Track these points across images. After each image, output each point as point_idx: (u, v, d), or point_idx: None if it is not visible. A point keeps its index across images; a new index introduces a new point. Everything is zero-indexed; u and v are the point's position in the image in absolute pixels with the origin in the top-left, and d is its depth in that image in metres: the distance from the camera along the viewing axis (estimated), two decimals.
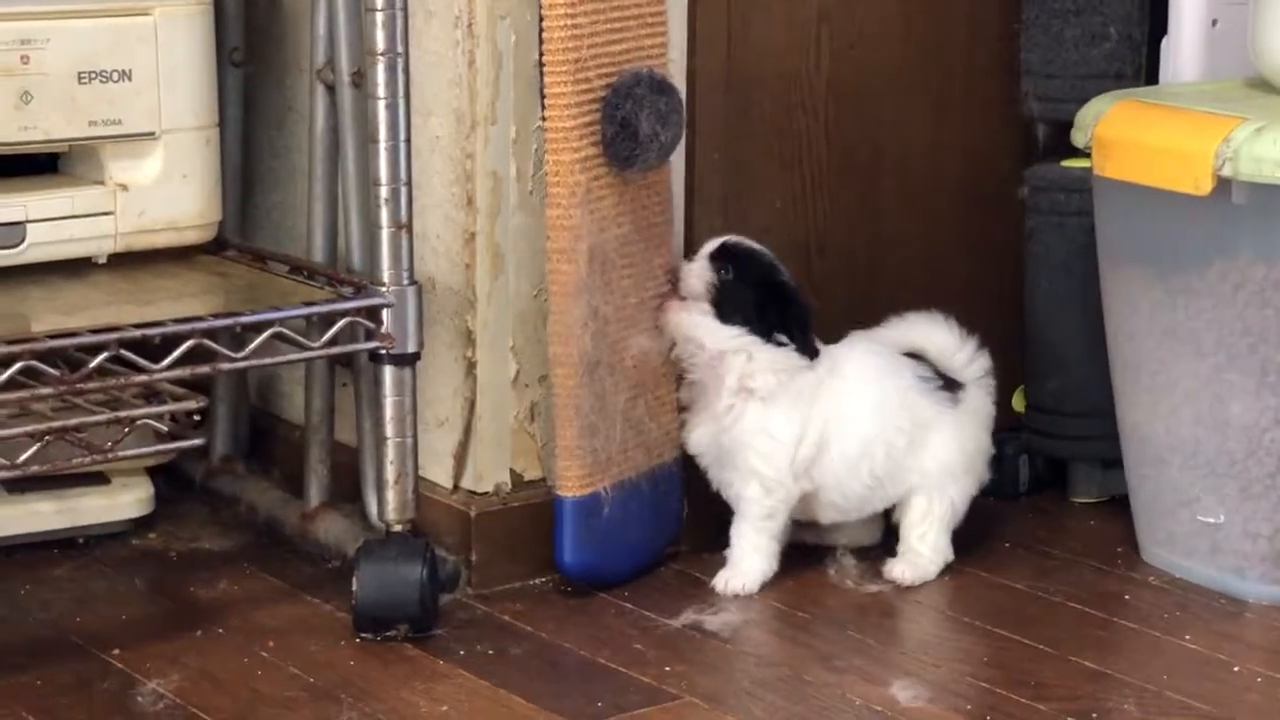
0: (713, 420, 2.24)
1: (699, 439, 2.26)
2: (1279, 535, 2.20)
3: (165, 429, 2.03)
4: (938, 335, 2.30)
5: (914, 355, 2.30)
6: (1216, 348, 2.19)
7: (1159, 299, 2.24)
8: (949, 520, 2.28)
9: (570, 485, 2.19)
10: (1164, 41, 2.43)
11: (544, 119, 2.14)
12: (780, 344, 2.21)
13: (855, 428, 2.24)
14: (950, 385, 2.28)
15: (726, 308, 2.21)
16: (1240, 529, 2.21)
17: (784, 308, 2.22)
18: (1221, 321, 2.18)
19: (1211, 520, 2.23)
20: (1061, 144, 2.41)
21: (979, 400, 2.30)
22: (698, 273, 2.22)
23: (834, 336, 2.30)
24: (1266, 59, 2.28)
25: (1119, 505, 2.39)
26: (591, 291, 2.16)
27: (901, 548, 2.28)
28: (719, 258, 2.22)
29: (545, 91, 2.13)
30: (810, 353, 2.22)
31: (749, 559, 2.24)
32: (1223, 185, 2.12)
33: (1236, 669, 2.06)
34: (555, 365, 2.17)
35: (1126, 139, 2.21)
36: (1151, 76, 2.45)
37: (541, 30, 2.12)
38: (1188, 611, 2.20)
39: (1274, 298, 2.14)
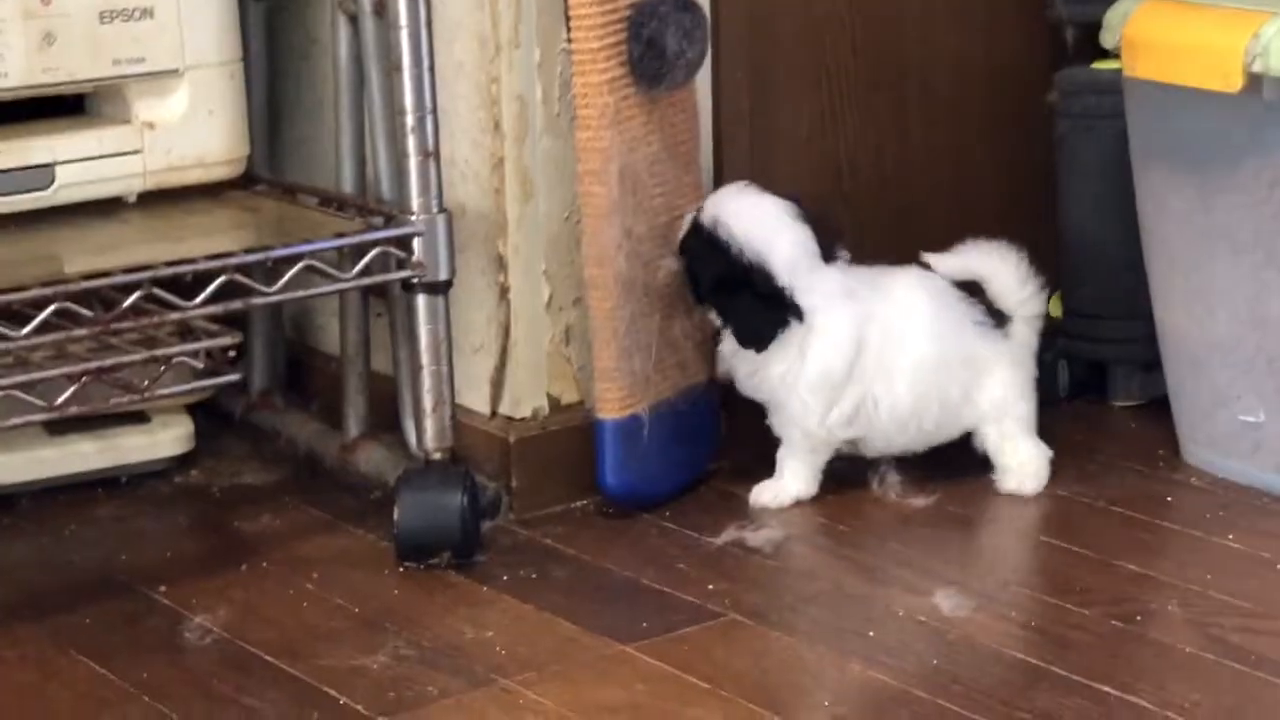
0: (747, 360, 2.22)
1: (739, 374, 2.23)
2: None
3: (202, 366, 2.03)
4: (1003, 271, 2.23)
5: (967, 284, 2.25)
6: (1253, 245, 2.18)
7: (1193, 199, 2.22)
8: (1026, 430, 2.25)
9: (610, 407, 2.19)
10: None
11: (569, 40, 2.13)
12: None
13: (908, 387, 2.20)
14: (1000, 320, 2.24)
15: (691, 275, 2.20)
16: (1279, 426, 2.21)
17: (730, 295, 2.17)
18: (1257, 219, 2.16)
19: (1252, 419, 2.22)
20: (1091, 46, 2.39)
21: (1026, 336, 2.25)
22: (680, 238, 2.20)
23: (870, 253, 2.27)
24: None
25: (1159, 407, 2.38)
26: (624, 212, 2.16)
27: (1000, 469, 2.26)
28: (687, 238, 2.19)
29: (570, 13, 2.12)
30: (755, 344, 2.17)
31: (787, 479, 2.24)
32: (1254, 81, 2.10)
33: (1279, 566, 2.06)
34: (591, 288, 2.17)
35: (1155, 38, 2.19)
36: None
37: None
38: (1230, 511, 2.19)
39: None
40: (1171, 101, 2.20)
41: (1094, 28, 2.33)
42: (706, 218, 2.18)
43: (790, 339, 2.18)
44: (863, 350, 2.20)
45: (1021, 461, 2.25)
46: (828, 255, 2.20)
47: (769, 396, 2.23)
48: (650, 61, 2.14)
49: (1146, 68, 2.20)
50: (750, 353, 2.19)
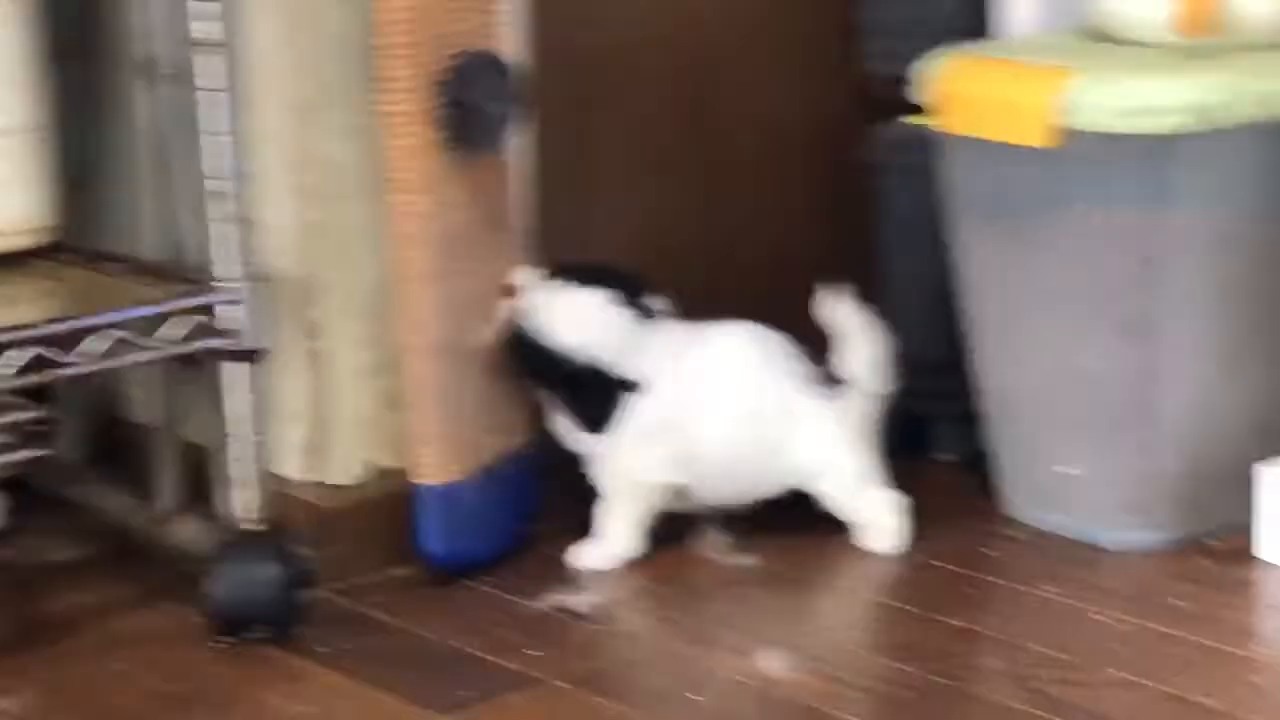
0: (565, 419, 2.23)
1: (559, 423, 2.24)
2: (1134, 483, 2.21)
3: (8, 440, 1.98)
4: (856, 337, 2.25)
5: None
6: (1066, 299, 2.19)
7: (1008, 252, 2.24)
8: (860, 485, 2.25)
9: (431, 473, 2.16)
10: None
11: (383, 103, 2.11)
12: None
13: (725, 434, 2.21)
14: (829, 380, 2.25)
15: (517, 372, 2.21)
16: (1097, 479, 2.22)
17: (564, 388, 2.19)
18: (1070, 272, 2.18)
19: (1070, 471, 2.24)
20: (904, 102, 2.40)
21: (859, 404, 2.25)
22: (501, 318, 2.19)
23: (688, 311, 2.27)
24: (1100, 8, 2.28)
25: (980, 461, 2.39)
26: (440, 276, 2.14)
27: (852, 527, 2.26)
28: (510, 346, 2.19)
29: (383, 76, 2.10)
30: (598, 429, 2.18)
31: (608, 539, 2.23)
32: (1062, 136, 2.12)
33: (1099, 617, 2.07)
34: (408, 353, 2.14)
35: (966, 93, 2.21)
36: (990, 31, 2.45)
37: (377, 13, 2.09)
38: (1050, 563, 2.20)
39: (1117, 246, 2.15)
40: (983, 156, 2.22)
41: (906, 83, 2.35)
42: (530, 323, 2.18)
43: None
44: (684, 399, 2.20)
45: (868, 517, 2.25)
46: (645, 313, 2.20)
47: (593, 449, 2.22)
48: (464, 125, 2.13)
49: (958, 122, 2.22)
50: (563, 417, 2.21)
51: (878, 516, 2.25)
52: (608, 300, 2.19)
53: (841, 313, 2.26)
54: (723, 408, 2.21)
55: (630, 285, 2.21)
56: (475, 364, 2.19)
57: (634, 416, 2.19)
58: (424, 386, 2.14)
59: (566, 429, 2.23)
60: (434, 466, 2.15)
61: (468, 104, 2.12)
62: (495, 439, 2.23)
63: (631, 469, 2.21)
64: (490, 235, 2.21)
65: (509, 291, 2.21)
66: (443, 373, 2.14)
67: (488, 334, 2.20)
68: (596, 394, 2.19)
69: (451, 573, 2.20)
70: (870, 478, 2.26)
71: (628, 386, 2.19)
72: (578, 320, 2.18)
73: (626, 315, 2.19)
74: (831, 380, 2.25)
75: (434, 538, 2.17)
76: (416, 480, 2.16)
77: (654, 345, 2.20)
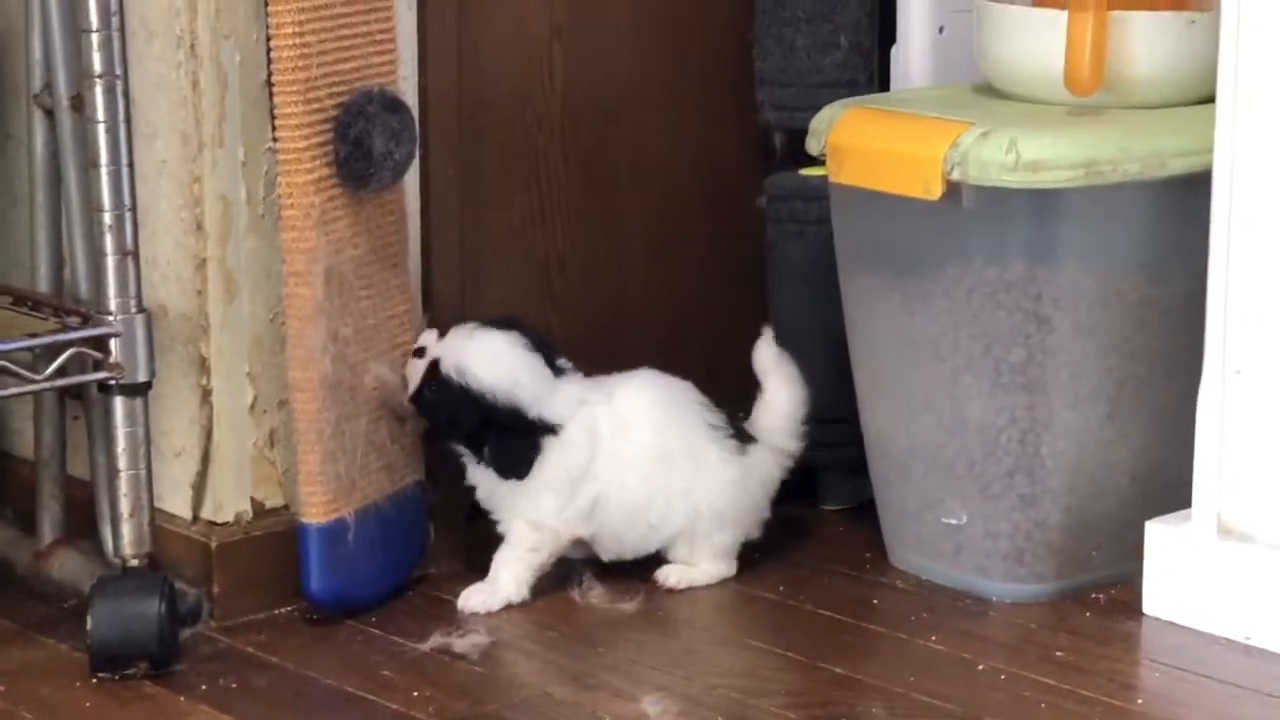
0: (481, 469, 2.22)
1: (473, 472, 2.23)
2: (1018, 534, 2.23)
3: None
4: (777, 391, 2.28)
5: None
6: (953, 351, 2.21)
7: (897, 304, 2.25)
8: (716, 551, 2.27)
9: (314, 511, 2.15)
10: (893, 49, 2.46)
11: (275, 140, 2.10)
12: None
13: (637, 480, 2.22)
14: (739, 435, 2.27)
15: (437, 424, 2.21)
16: (982, 529, 2.24)
17: (484, 434, 2.19)
18: (957, 325, 2.20)
19: (954, 521, 2.25)
20: (798, 152, 2.42)
21: (764, 460, 2.28)
22: (413, 374, 2.19)
23: (578, 354, 2.28)
24: (990, 64, 2.31)
25: (867, 511, 2.40)
26: (330, 314, 2.13)
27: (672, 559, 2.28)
28: (424, 383, 2.19)
29: (275, 112, 2.09)
30: (518, 474, 2.19)
31: (502, 583, 2.22)
32: (952, 189, 2.14)
33: (981, 667, 2.08)
34: (295, 390, 2.13)
35: (859, 145, 2.23)
36: (883, 84, 2.47)
37: (269, 50, 2.09)
38: (934, 613, 2.21)
39: (1005, 300, 2.17)
40: (875, 208, 2.23)
41: (801, 134, 2.36)
42: (449, 369, 2.17)
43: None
44: (595, 450, 2.20)
45: (691, 563, 2.26)
46: (555, 370, 2.21)
47: (505, 499, 2.22)
48: (357, 162, 2.12)
49: (850, 174, 2.24)
50: (479, 466, 2.20)
51: (693, 569, 2.26)
52: (520, 344, 2.19)
53: (767, 365, 2.28)
54: (633, 455, 2.22)
55: (538, 339, 2.22)
56: (362, 403, 2.18)
57: (543, 466, 2.19)
58: (309, 424, 2.13)
59: (483, 478, 2.22)
60: (317, 505, 2.14)
61: (360, 142, 2.12)
62: (381, 479, 2.22)
63: (539, 519, 2.20)
64: (382, 275, 2.21)
65: (418, 353, 2.20)
66: (328, 411, 2.13)
67: (380, 375, 2.19)
68: (516, 437, 2.18)
69: (334, 612, 2.18)
70: (720, 550, 2.27)
71: (547, 429, 2.18)
72: (495, 361, 2.17)
73: (539, 361, 2.19)
74: (743, 434, 2.26)
75: (315, 577, 2.15)
76: (299, 519, 2.15)
77: (562, 395, 2.20)
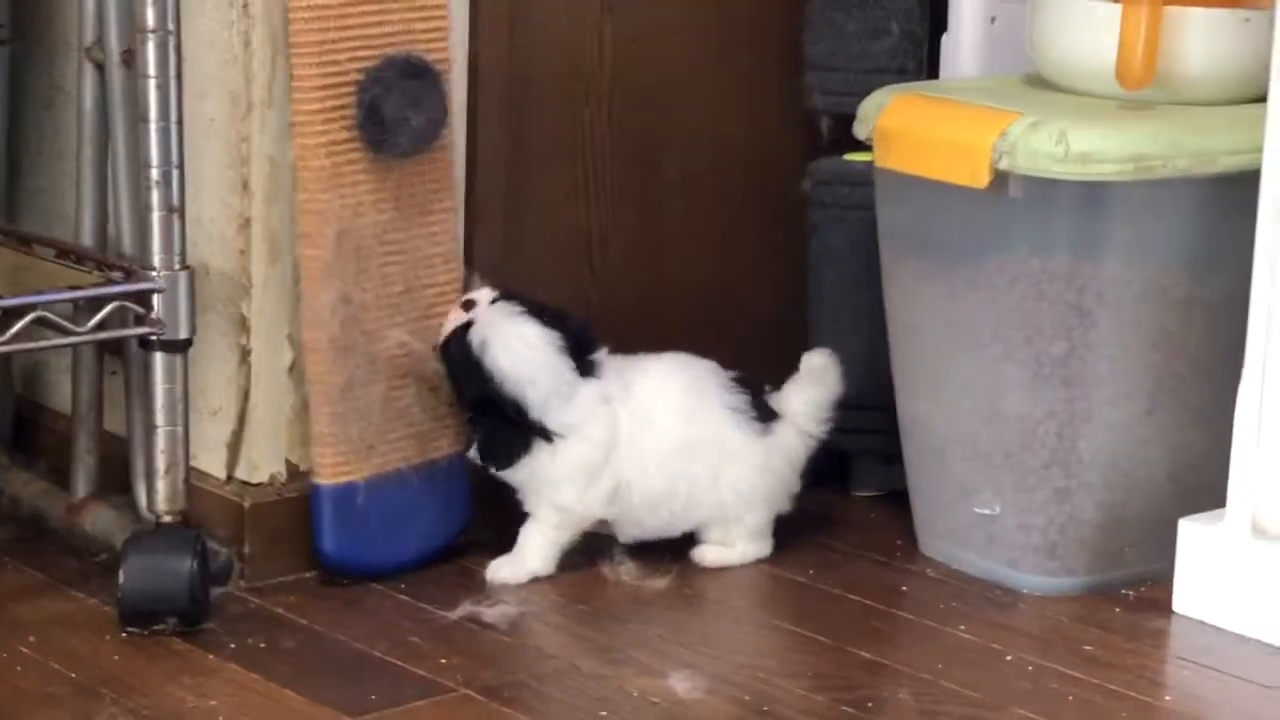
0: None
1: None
2: (1051, 527, 2.22)
3: None
4: (799, 372, 2.27)
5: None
6: (993, 340, 2.21)
7: (939, 292, 2.25)
8: (750, 532, 2.27)
9: (325, 473, 2.15)
10: (944, 37, 2.45)
11: (292, 101, 2.10)
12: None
13: (659, 469, 2.21)
14: (764, 414, 2.26)
15: (454, 386, 2.20)
16: (1015, 521, 2.23)
17: (484, 413, 2.18)
18: (998, 315, 2.20)
19: (987, 512, 2.25)
20: (844, 138, 2.42)
21: (789, 436, 2.27)
22: (450, 322, 2.19)
23: (616, 330, 2.27)
24: (1042, 55, 2.31)
25: (899, 499, 2.40)
26: (341, 277, 2.12)
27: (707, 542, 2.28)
28: (450, 338, 2.18)
29: (291, 74, 2.09)
30: (496, 464, 2.18)
31: (528, 556, 2.22)
32: (1000, 178, 2.14)
33: (1009, 658, 2.08)
34: (306, 351, 2.14)
35: (907, 131, 2.22)
36: (932, 72, 2.47)
37: (289, 11, 2.08)
38: (963, 602, 2.21)
39: (1049, 290, 2.16)
40: (920, 195, 2.23)
41: (848, 119, 2.36)
42: (475, 337, 2.16)
43: (539, 449, 2.18)
44: (617, 437, 2.20)
45: (727, 544, 2.26)
46: (586, 370, 2.20)
47: (521, 484, 2.22)
48: (371, 127, 2.12)
49: (897, 160, 2.23)
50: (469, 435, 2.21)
51: (728, 549, 2.26)
52: (554, 344, 2.18)
53: (814, 365, 2.28)
54: (654, 445, 2.21)
55: (581, 338, 2.20)
56: (381, 369, 2.17)
57: (564, 458, 2.18)
58: (318, 385, 2.13)
59: (472, 452, 2.22)
60: (327, 467, 2.15)
61: (374, 106, 2.11)
62: (408, 447, 2.21)
63: (563, 502, 2.20)
64: (415, 243, 2.20)
65: (467, 305, 2.19)
66: (337, 373, 2.13)
67: (406, 343, 2.18)
68: (511, 433, 2.17)
69: (347, 574, 2.18)
70: (754, 531, 2.26)
71: (544, 434, 2.17)
72: (518, 351, 2.16)
73: (566, 366, 2.18)
74: (766, 412, 2.26)
75: (325, 536, 2.16)
76: (312, 479, 2.16)
77: (585, 399, 2.18)
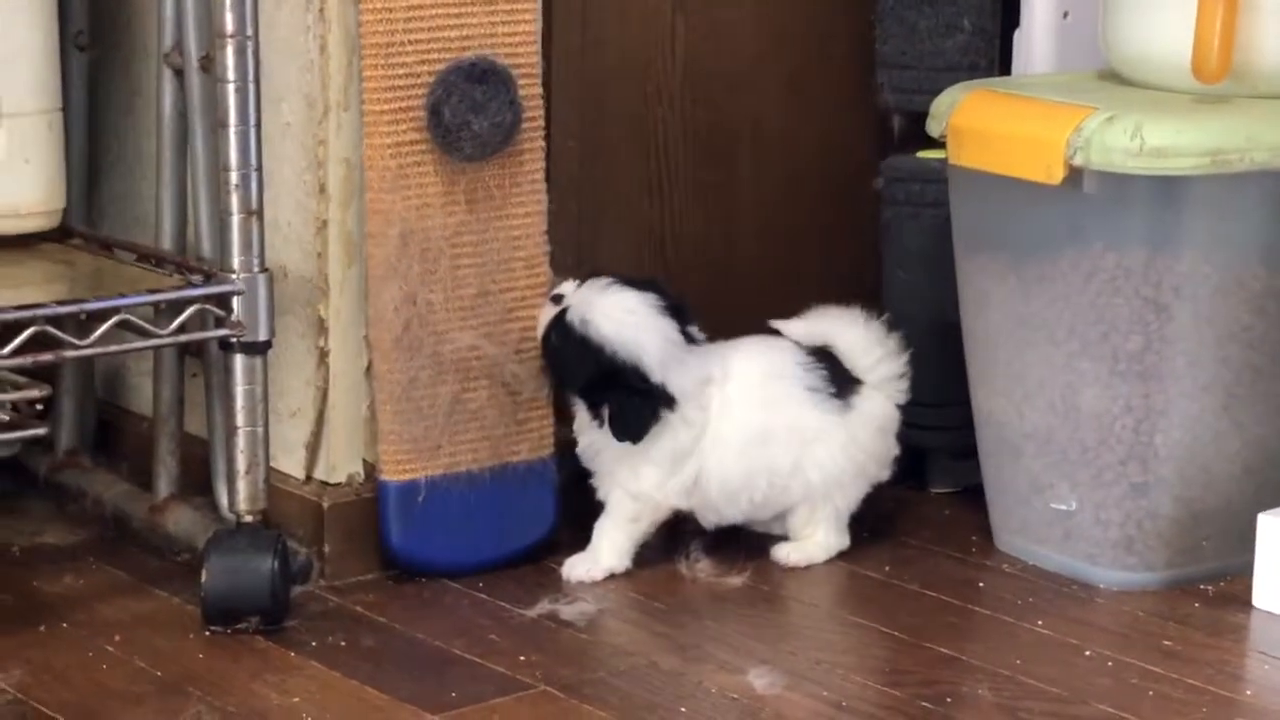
0: (591, 432, 2.22)
1: (584, 443, 2.23)
2: (1129, 522, 2.22)
3: (7, 418, 1.98)
4: (850, 335, 2.25)
5: (821, 349, 2.25)
6: (1069, 336, 2.20)
7: (1013, 288, 2.25)
8: (835, 521, 2.27)
9: (389, 469, 2.17)
10: (1016, 33, 2.45)
11: (364, 103, 2.12)
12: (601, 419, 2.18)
13: (737, 460, 2.21)
14: (844, 388, 2.25)
15: (557, 371, 2.20)
16: (1092, 516, 2.23)
17: (604, 391, 2.17)
18: (1074, 310, 2.19)
19: (1064, 508, 2.25)
20: (916, 135, 2.42)
21: (874, 404, 2.26)
22: (543, 319, 2.19)
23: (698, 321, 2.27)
24: (1116, 50, 2.30)
25: (975, 494, 2.40)
26: (405, 277, 2.14)
27: (791, 536, 2.28)
28: (550, 329, 2.18)
29: (362, 74, 2.11)
30: (634, 438, 2.16)
31: (603, 553, 2.23)
32: (1074, 174, 2.13)
33: (1087, 654, 2.07)
34: (372, 349, 2.16)
35: (980, 128, 2.22)
36: (1005, 68, 2.47)
37: (361, 14, 2.10)
38: (1040, 598, 2.21)
39: (1124, 286, 2.16)
40: (994, 191, 2.23)
41: (920, 117, 2.36)
42: (574, 317, 2.16)
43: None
44: (699, 426, 2.20)
45: (813, 538, 2.26)
46: (689, 339, 2.20)
47: (606, 466, 2.22)
48: (434, 130, 2.13)
49: (970, 157, 2.23)
50: (594, 425, 2.18)
51: (808, 542, 2.26)
52: (654, 305, 2.17)
53: (837, 319, 2.26)
54: (733, 435, 2.21)
55: (674, 303, 2.20)
56: (449, 370, 2.18)
57: (663, 440, 2.18)
58: (383, 383, 2.15)
59: (593, 438, 2.21)
60: (391, 463, 2.17)
61: (440, 110, 2.12)
62: (480, 449, 2.22)
63: (638, 490, 2.21)
64: (493, 246, 2.21)
65: (555, 299, 2.20)
66: (400, 372, 2.15)
67: (480, 347, 2.19)
68: (638, 403, 2.16)
69: (412, 570, 2.20)
70: (840, 514, 2.26)
71: (665, 400, 2.17)
72: (620, 318, 2.16)
73: (671, 327, 2.18)
74: (846, 386, 2.24)
75: (390, 532, 2.17)
76: (378, 475, 2.18)
77: (691, 369, 2.18)
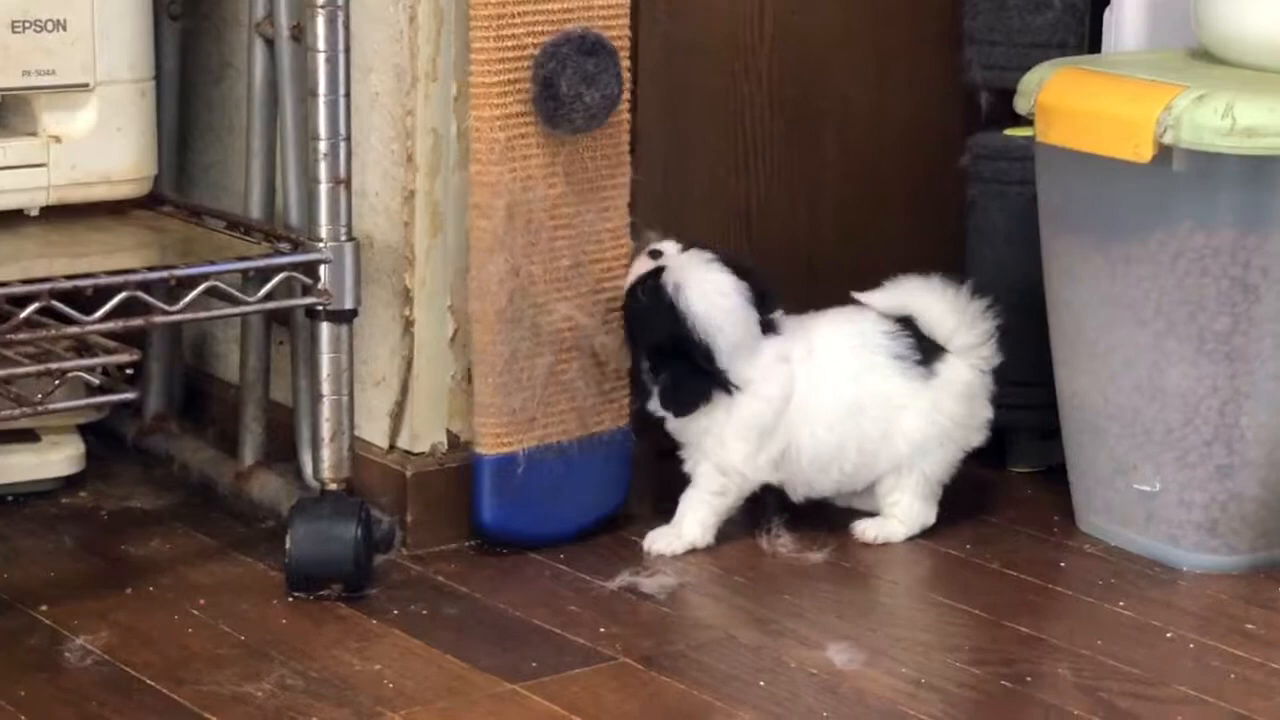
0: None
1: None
2: (1213, 504, 2.21)
3: (97, 382, 2.00)
4: (931, 303, 2.26)
5: (904, 318, 2.25)
6: (1155, 316, 2.19)
7: (1099, 267, 2.24)
8: (922, 489, 2.27)
9: (487, 443, 2.18)
10: (1106, 11, 2.43)
11: (471, 75, 2.12)
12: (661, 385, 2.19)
13: (829, 432, 2.22)
14: (929, 356, 2.25)
15: (634, 325, 2.21)
16: (1175, 498, 2.22)
17: (669, 357, 2.19)
18: (1161, 289, 2.18)
19: (1147, 489, 2.23)
20: (1004, 113, 2.41)
21: (959, 370, 2.26)
22: (637, 269, 2.20)
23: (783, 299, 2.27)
24: (1207, 28, 2.28)
25: (1057, 474, 2.39)
26: (510, 250, 2.15)
27: (879, 505, 2.28)
28: (640, 282, 2.19)
29: (471, 46, 2.11)
30: (677, 410, 2.19)
31: (686, 526, 2.24)
32: (1164, 153, 2.12)
33: (1169, 635, 2.06)
34: (473, 321, 2.17)
35: (1069, 106, 2.21)
36: (1094, 46, 2.45)
37: None
38: (1122, 579, 2.20)
39: (1212, 266, 2.14)
40: (1082, 170, 2.21)
41: (1008, 94, 2.35)
42: (669, 280, 2.17)
43: (718, 401, 2.19)
44: (787, 400, 2.21)
45: (894, 514, 2.26)
46: (768, 328, 2.21)
47: (694, 438, 2.23)
48: (546, 102, 2.13)
49: (1058, 135, 2.22)
50: (648, 381, 2.21)
51: (894, 517, 2.26)
52: (745, 294, 2.19)
53: (918, 288, 2.26)
54: (823, 407, 2.22)
55: (766, 293, 2.21)
56: (546, 342, 2.19)
57: (740, 416, 2.19)
58: (483, 355, 2.16)
59: (652, 402, 2.22)
60: (489, 437, 2.17)
61: (549, 82, 2.13)
62: (570, 421, 2.23)
63: (726, 463, 2.21)
64: (586, 217, 2.22)
65: (654, 254, 2.20)
66: (502, 345, 2.15)
67: (572, 317, 2.20)
68: (695, 379, 2.18)
69: (504, 543, 2.21)
70: (930, 483, 2.26)
71: (725, 384, 2.18)
72: (713, 297, 2.17)
73: (753, 319, 2.19)
74: (930, 353, 2.24)
75: (484, 506, 2.18)
76: (474, 448, 2.18)
77: (765, 357, 2.20)
